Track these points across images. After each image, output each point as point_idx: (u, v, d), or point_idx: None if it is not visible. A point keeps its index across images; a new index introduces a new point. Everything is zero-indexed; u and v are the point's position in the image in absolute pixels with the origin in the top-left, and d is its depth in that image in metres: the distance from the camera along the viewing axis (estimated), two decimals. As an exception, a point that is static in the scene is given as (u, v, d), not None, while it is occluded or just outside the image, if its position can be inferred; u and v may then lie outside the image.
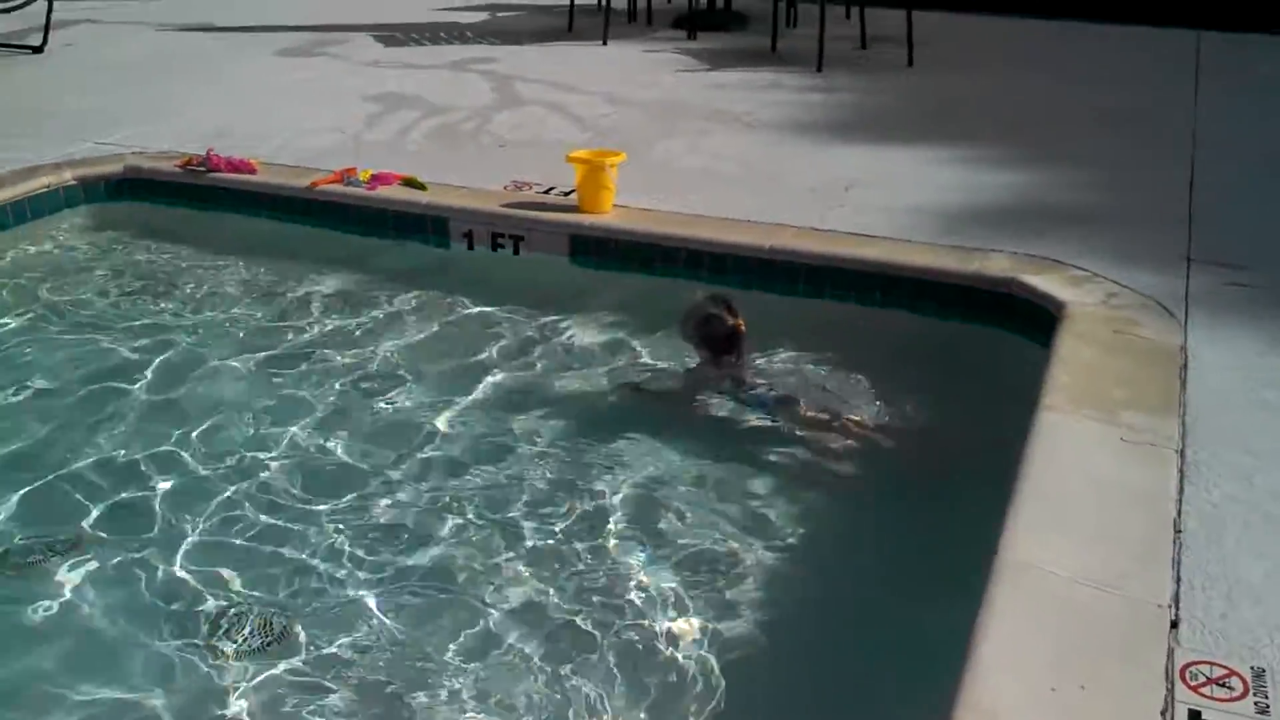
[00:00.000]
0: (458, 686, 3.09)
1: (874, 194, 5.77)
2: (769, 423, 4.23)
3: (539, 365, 4.81)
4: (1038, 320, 4.45)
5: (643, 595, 3.42)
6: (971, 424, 4.10)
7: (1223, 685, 2.54)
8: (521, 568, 3.58)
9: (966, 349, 4.60)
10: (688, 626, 3.29)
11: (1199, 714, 2.46)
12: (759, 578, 3.50)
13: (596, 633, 3.28)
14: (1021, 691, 2.51)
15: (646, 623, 3.31)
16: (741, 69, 8.77)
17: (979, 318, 4.69)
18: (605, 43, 9.72)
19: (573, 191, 5.58)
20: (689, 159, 6.51)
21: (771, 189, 5.88)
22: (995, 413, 3.98)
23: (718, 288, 4.74)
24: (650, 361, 4.79)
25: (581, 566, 3.56)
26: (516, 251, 5.47)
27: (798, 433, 4.17)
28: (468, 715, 3.00)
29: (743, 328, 4.32)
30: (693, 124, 7.22)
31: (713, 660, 3.17)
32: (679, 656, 3.19)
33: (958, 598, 3.13)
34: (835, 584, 3.53)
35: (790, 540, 3.66)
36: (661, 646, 3.23)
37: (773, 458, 4.12)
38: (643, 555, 3.60)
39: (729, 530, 3.71)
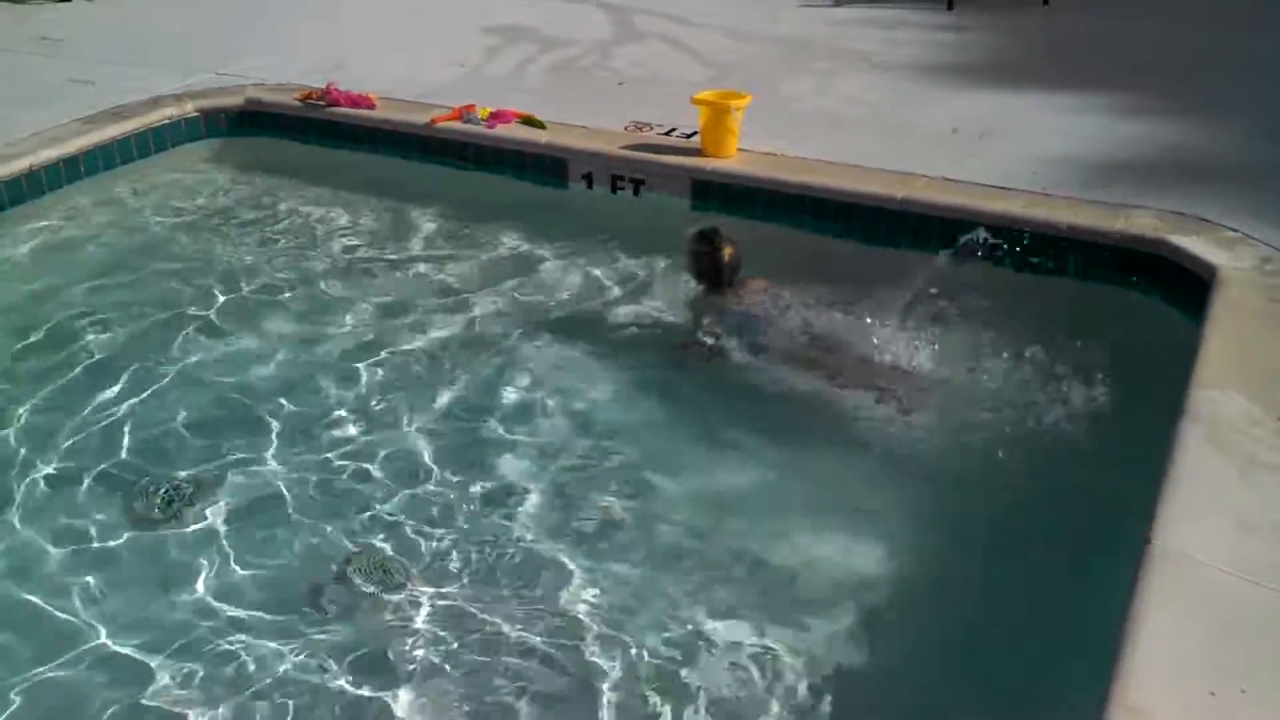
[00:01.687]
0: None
1: (1009, 142, 5.52)
2: (754, 357, 4.19)
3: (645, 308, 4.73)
4: (1187, 285, 4.23)
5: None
6: (1112, 396, 3.89)
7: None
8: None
9: (1107, 313, 4.38)
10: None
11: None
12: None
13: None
14: (1178, 694, 2.36)
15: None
16: (867, 4, 8.49)
17: (1122, 280, 4.47)
18: (726, -26, 9.47)
19: (695, 133, 5.43)
20: (814, 101, 6.30)
21: (901, 135, 5.67)
22: (1139, 386, 3.79)
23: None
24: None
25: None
26: (636, 194, 5.36)
27: (786, 368, 4.12)
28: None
29: (728, 256, 4.37)
30: (817, 63, 6.99)
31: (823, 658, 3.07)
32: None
33: (1097, 582, 3.01)
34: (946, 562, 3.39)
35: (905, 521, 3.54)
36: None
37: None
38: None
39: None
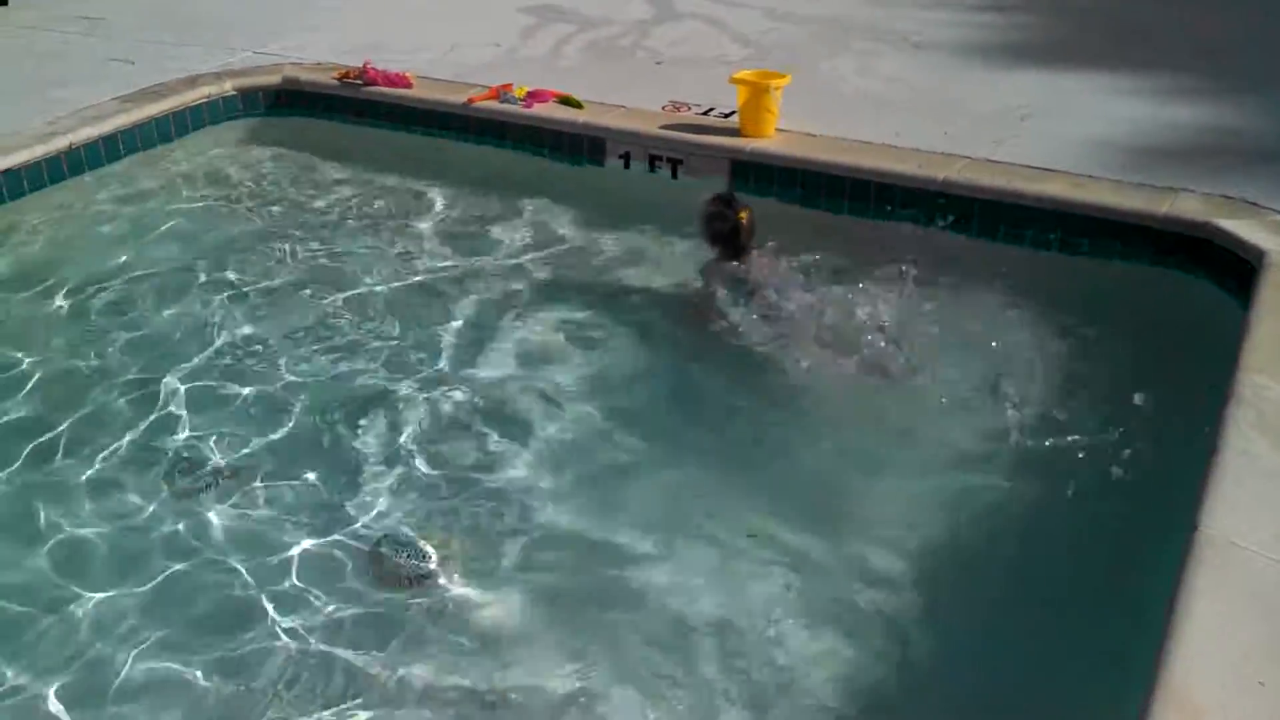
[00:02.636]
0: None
1: (1052, 124, 5.45)
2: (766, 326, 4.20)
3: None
4: (1234, 269, 4.15)
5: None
6: (1158, 381, 3.82)
7: None
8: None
9: (1152, 298, 4.32)
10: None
11: None
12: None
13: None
14: (1226, 684, 2.32)
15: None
16: (908, -16, 8.37)
17: (1167, 263, 4.40)
18: (764, -46, 9.39)
19: (733, 113, 5.38)
20: (854, 81, 6.24)
21: (942, 116, 5.59)
22: (1185, 370, 3.73)
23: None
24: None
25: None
26: (674, 175, 5.32)
27: (794, 340, 4.13)
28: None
29: (746, 220, 4.39)
30: (857, 43, 6.92)
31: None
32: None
33: (1143, 569, 2.97)
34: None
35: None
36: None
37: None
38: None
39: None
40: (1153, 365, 3.88)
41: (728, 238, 4.43)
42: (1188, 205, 4.48)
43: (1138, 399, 3.66)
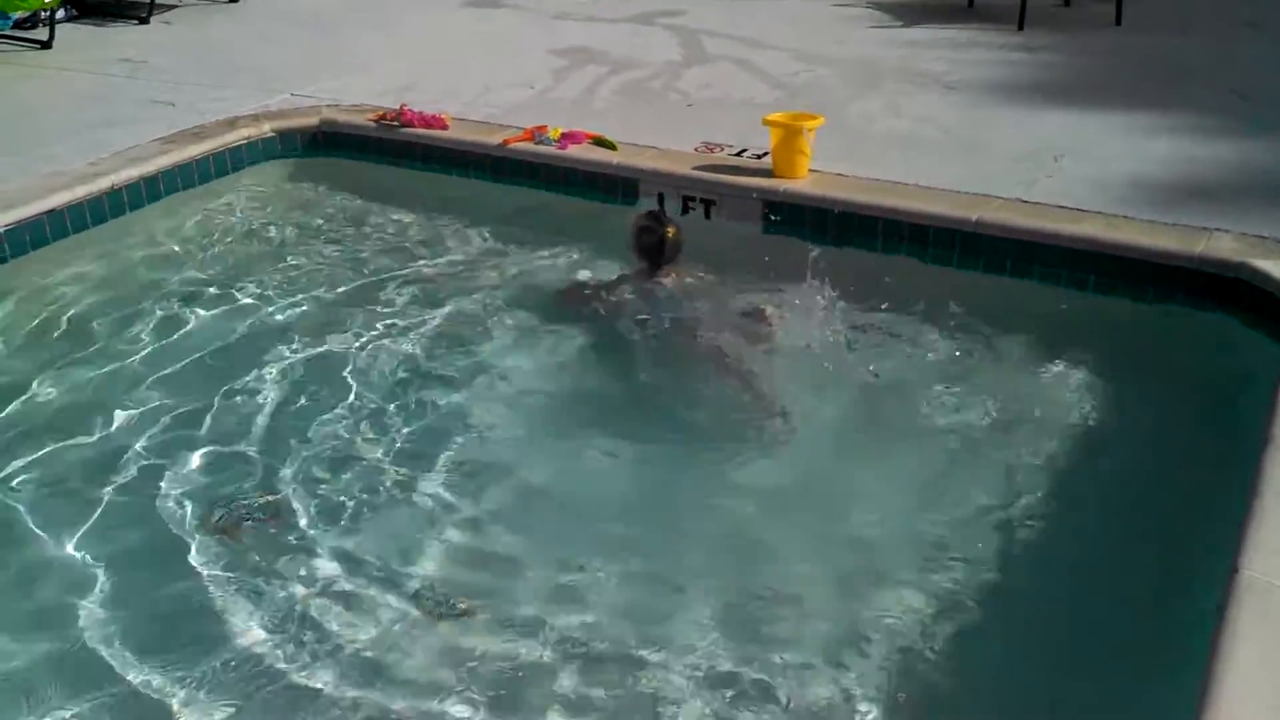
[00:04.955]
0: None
1: (1084, 164, 5.46)
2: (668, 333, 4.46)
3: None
4: (1270, 310, 4.15)
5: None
6: (1195, 422, 3.83)
7: None
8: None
9: (1186, 338, 4.31)
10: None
11: None
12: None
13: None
14: (1272, 731, 2.32)
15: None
16: (937, 25, 8.44)
17: (1202, 304, 4.39)
18: (794, -5, 9.50)
19: (766, 154, 5.43)
20: (885, 122, 6.28)
21: (974, 156, 5.62)
22: (1222, 412, 3.72)
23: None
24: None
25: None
26: (708, 216, 5.36)
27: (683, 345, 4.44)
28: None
29: (671, 235, 4.69)
30: (888, 84, 6.96)
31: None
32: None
33: (1182, 612, 2.96)
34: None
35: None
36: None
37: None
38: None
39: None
40: (1188, 407, 3.88)
41: (654, 249, 4.71)
42: (1222, 245, 4.48)
43: (1176, 439, 3.66)
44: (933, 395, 4.13)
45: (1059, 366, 4.18)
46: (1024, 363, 4.22)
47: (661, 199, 5.40)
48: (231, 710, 2.94)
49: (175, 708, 2.94)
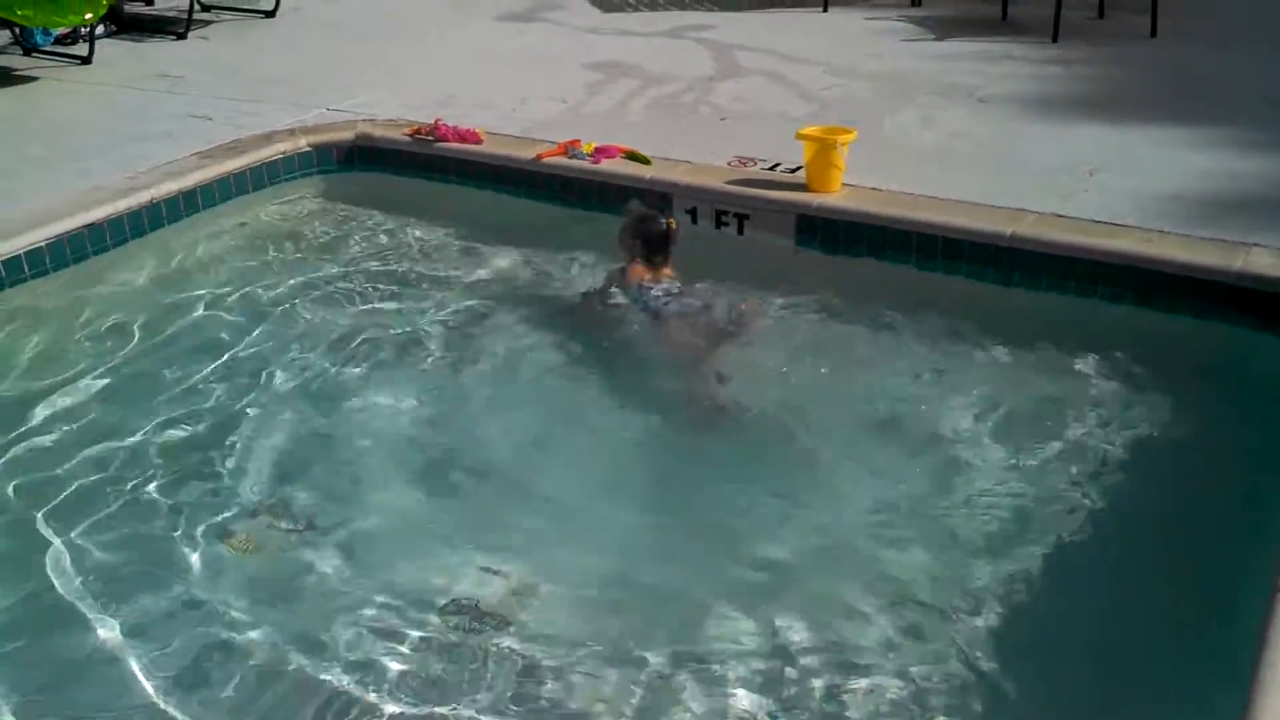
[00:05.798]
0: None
1: (1120, 178, 5.44)
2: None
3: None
4: (1311, 327, 4.12)
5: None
6: (1234, 440, 3.80)
7: None
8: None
9: (1225, 354, 4.29)
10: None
11: None
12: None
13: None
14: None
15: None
16: (970, 38, 8.41)
17: (1241, 319, 4.36)
18: (826, 9, 9.49)
19: (799, 168, 5.43)
20: (919, 135, 6.27)
21: (1009, 170, 5.61)
22: (1262, 430, 3.70)
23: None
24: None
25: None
26: (741, 231, 5.36)
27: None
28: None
29: (673, 225, 4.70)
30: (921, 97, 6.95)
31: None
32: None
33: (1224, 633, 2.94)
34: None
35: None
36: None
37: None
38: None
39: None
40: (1226, 424, 3.85)
41: (660, 239, 4.69)
42: (1261, 260, 4.45)
43: (1214, 456, 3.63)
44: (966, 407, 4.12)
45: (1095, 382, 4.16)
46: (1058, 379, 4.20)
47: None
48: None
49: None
